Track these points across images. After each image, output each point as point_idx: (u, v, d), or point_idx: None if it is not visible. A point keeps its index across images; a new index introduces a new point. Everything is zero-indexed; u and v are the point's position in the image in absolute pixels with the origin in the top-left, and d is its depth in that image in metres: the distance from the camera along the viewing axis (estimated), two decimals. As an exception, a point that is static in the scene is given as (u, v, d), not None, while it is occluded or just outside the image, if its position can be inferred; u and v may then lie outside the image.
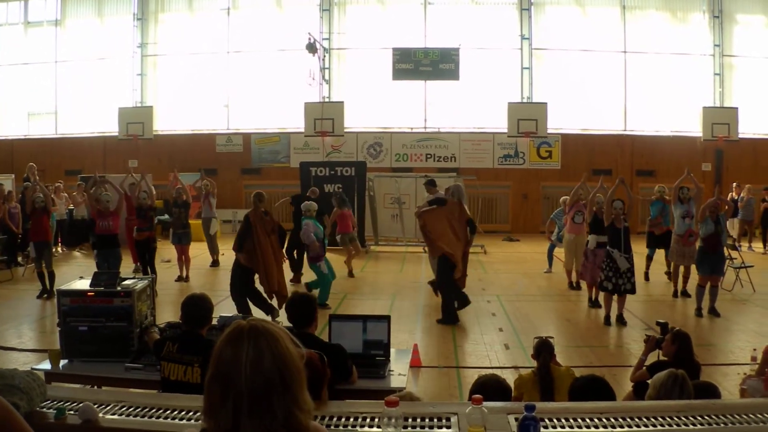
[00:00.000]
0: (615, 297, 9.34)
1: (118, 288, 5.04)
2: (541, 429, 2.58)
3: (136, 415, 2.91)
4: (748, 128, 20.97)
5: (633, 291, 9.34)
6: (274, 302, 9.22)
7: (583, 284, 10.86)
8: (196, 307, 4.30)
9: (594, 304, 10.30)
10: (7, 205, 13.77)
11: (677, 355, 4.79)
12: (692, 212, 10.79)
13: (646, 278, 12.47)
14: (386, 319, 4.86)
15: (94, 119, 23.10)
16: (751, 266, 11.87)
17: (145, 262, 11.94)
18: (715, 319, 9.50)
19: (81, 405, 2.87)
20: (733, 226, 17.22)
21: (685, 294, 10.99)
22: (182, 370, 4.07)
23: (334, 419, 2.80)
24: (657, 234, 12.34)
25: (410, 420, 2.77)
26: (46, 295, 10.74)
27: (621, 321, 9.26)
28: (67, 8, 23.47)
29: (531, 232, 20.67)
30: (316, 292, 9.87)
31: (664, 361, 4.88)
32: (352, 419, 2.80)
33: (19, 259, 14.21)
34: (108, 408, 2.97)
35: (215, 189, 14.98)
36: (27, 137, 23.67)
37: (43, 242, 11.19)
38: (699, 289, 9.87)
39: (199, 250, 14.40)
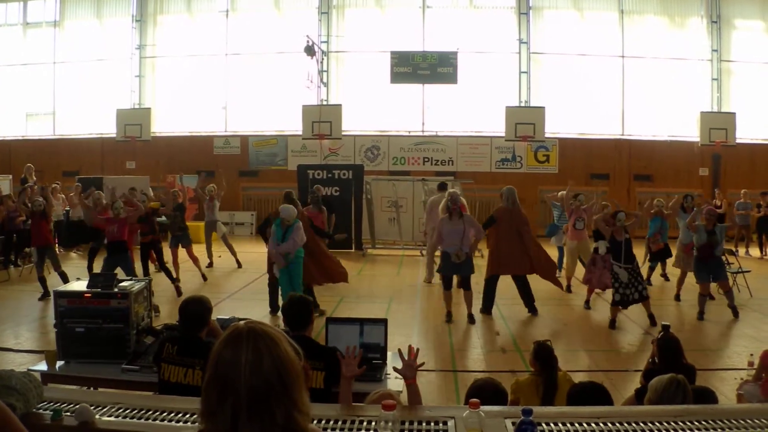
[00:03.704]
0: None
1: (115, 289, 5.04)
2: (538, 433, 2.58)
3: (132, 417, 2.91)
4: (746, 133, 20.97)
5: (642, 299, 9.32)
6: None
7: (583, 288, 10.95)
8: (194, 309, 4.28)
9: (588, 305, 10.39)
10: (5, 207, 13.75)
11: (664, 360, 4.77)
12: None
13: (648, 283, 12.51)
14: (383, 322, 4.86)
15: (92, 120, 23.03)
16: (748, 271, 11.89)
17: (147, 264, 12.00)
18: (712, 324, 9.49)
19: (77, 406, 2.87)
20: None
21: (678, 299, 11.06)
22: (183, 372, 4.06)
23: (331, 422, 2.80)
24: (654, 251, 12.36)
25: (407, 423, 2.77)
26: (49, 297, 10.65)
27: (652, 321, 9.22)
28: (66, 9, 23.44)
29: (528, 236, 20.64)
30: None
31: (655, 367, 4.87)
32: (348, 422, 2.80)
33: (18, 260, 14.19)
34: (104, 410, 2.97)
35: (221, 192, 15.09)
36: (25, 138, 23.61)
37: (44, 246, 11.16)
38: (700, 297, 9.87)
39: (196, 253, 14.34)
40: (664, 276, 12.84)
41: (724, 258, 11.67)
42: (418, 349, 3.68)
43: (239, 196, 22.30)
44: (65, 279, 10.70)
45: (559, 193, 13.03)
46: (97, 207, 12.47)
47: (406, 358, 3.61)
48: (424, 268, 13.49)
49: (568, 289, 11.85)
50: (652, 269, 12.62)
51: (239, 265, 14.25)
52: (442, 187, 13.43)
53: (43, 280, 10.95)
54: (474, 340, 8.84)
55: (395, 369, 3.71)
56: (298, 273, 9.35)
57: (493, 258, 10.26)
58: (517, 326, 9.48)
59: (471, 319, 9.62)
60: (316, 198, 12.40)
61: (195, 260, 12.87)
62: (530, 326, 9.48)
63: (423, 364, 3.80)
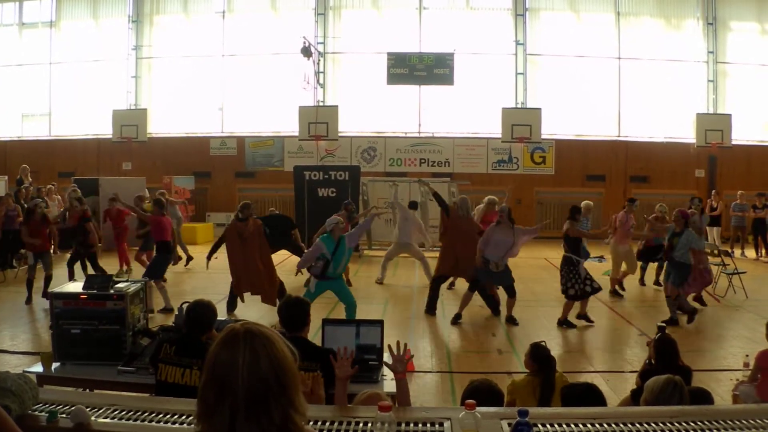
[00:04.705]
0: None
1: (111, 291, 5.03)
2: (534, 434, 2.58)
3: (128, 419, 2.90)
4: (742, 135, 21.04)
5: (594, 291, 9.48)
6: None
7: None
8: (203, 313, 4.28)
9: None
10: (4, 207, 13.71)
11: (661, 361, 4.78)
12: (698, 225, 10.86)
13: (642, 283, 12.61)
14: (379, 323, 4.85)
15: (88, 121, 23.01)
16: (744, 272, 11.91)
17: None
18: (707, 325, 9.51)
19: (73, 408, 2.86)
20: (718, 235, 17.42)
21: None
22: (180, 372, 4.05)
23: (327, 424, 2.79)
24: (648, 246, 12.42)
25: (403, 425, 2.76)
26: (32, 303, 10.61)
27: (587, 319, 9.51)
28: (62, 10, 23.41)
29: (525, 237, 20.64)
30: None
31: (652, 368, 4.86)
32: (345, 424, 2.80)
33: (14, 262, 14.12)
34: (100, 411, 2.95)
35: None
36: (20, 139, 23.57)
37: (42, 249, 11.11)
38: (667, 300, 9.85)
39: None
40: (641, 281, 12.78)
41: (720, 260, 11.71)
42: (405, 344, 3.71)
43: (235, 198, 22.25)
44: (48, 283, 10.68)
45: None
46: (72, 207, 12.41)
47: (395, 353, 3.63)
48: (420, 269, 13.49)
49: (614, 292, 11.83)
50: (643, 269, 12.65)
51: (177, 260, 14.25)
52: (413, 206, 13.95)
53: (30, 283, 10.88)
54: (470, 341, 8.84)
55: (385, 364, 3.72)
56: (345, 290, 8.91)
57: (448, 259, 10.38)
58: (513, 328, 9.47)
59: (514, 321, 9.70)
60: (351, 212, 12.79)
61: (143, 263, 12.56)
62: (526, 327, 9.47)
63: (412, 357, 3.84)
